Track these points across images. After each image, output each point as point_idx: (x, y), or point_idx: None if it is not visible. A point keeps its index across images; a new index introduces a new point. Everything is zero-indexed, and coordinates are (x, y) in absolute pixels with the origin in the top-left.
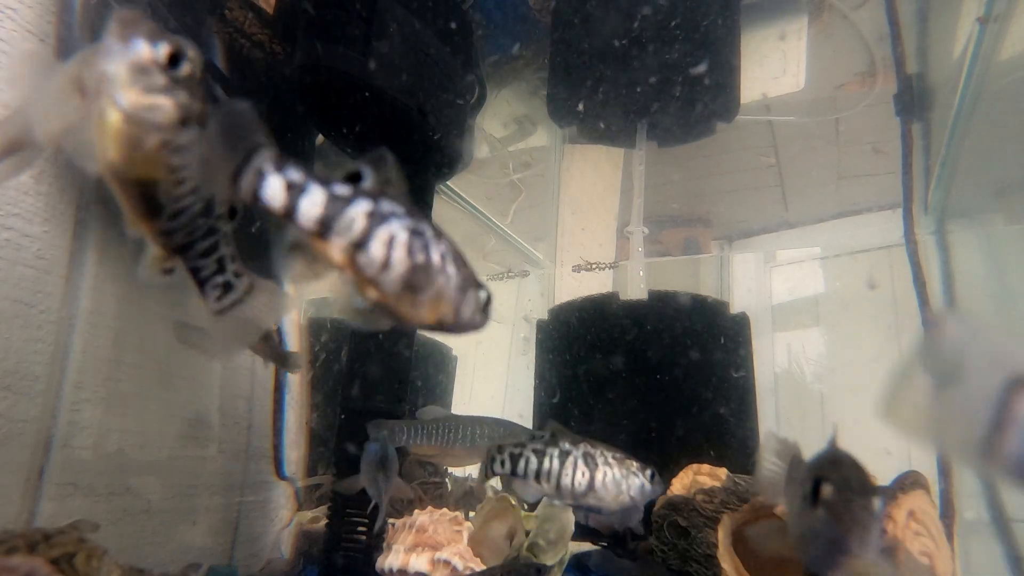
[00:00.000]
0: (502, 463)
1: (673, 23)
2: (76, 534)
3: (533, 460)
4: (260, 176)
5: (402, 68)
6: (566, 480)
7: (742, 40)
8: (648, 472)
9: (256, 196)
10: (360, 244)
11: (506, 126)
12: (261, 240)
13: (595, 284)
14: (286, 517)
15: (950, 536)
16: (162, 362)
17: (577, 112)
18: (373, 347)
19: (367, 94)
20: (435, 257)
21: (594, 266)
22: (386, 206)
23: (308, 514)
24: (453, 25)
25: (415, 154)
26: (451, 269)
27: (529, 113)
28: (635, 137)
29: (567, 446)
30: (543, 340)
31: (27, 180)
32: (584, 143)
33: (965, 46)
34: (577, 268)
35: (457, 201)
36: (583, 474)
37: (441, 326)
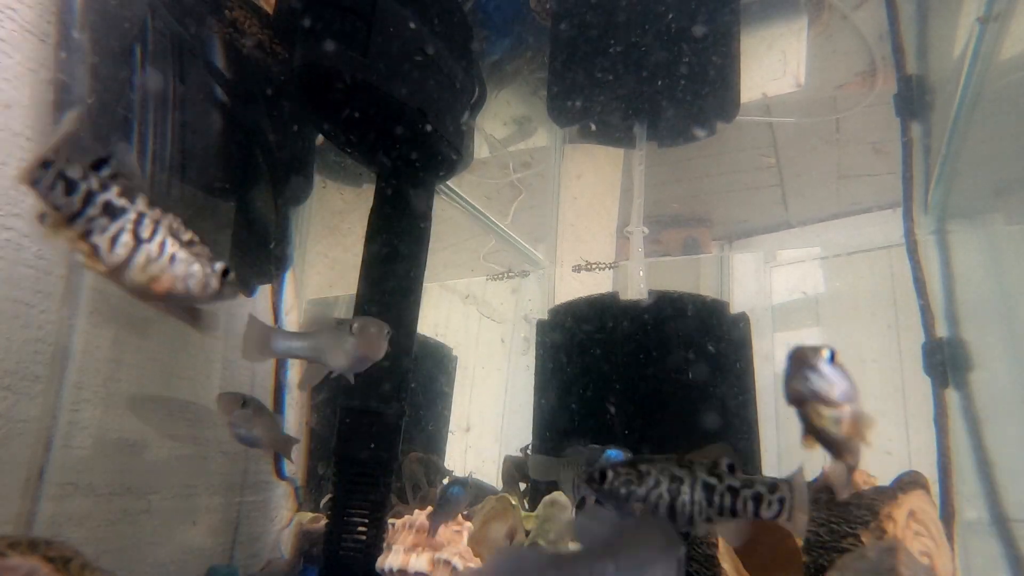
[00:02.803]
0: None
1: (673, 23)
2: (71, 548)
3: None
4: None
5: (402, 68)
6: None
7: (742, 40)
8: None
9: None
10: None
11: (506, 126)
12: (260, 236)
13: (595, 284)
14: (286, 517)
15: (950, 536)
16: (162, 362)
17: (577, 112)
18: None
19: (367, 94)
20: (153, 248)
21: (594, 266)
22: (120, 201)
23: (308, 514)
24: (453, 25)
25: (415, 154)
26: (173, 250)
27: (529, 113)
28: (635, 137)
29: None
30: (543, 340)
31: None
32: (584, 143)
33: (965, 46)
34: (577, 268)
35: (457, 201)
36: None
37: (170, 298)
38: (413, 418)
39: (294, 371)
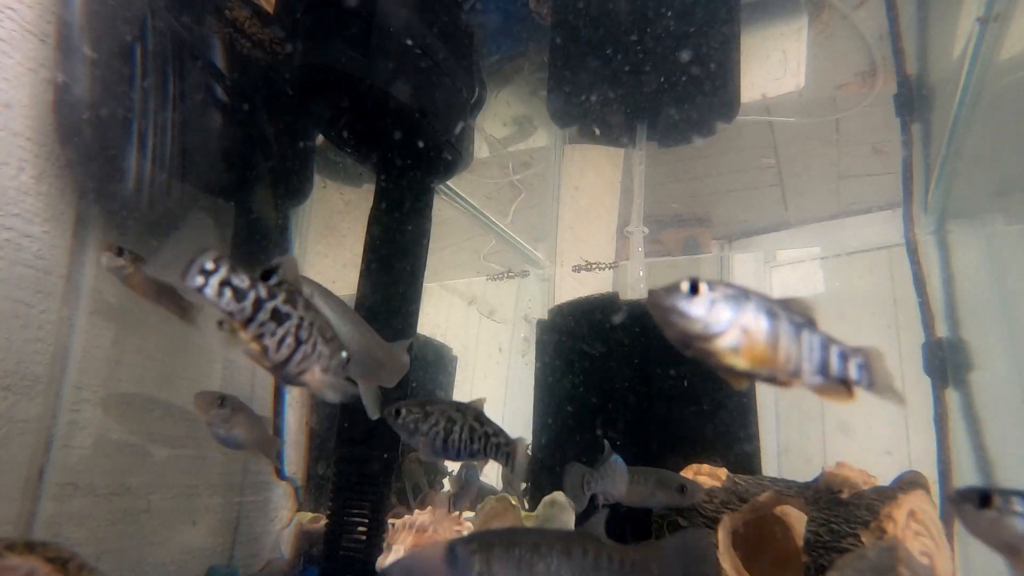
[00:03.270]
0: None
1: (673, 23)
2: (67, 549)
3: None
4: (205, 275)
5: (402, 68)
6: None
7: (742, 40)
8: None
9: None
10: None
11: (506, 126)
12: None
13: (595, 284)
14: (286, 517)
15: (950, 536)
16: (162, 362)
17: (577, 112)
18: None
19: (367, 94)
20: (308, 347)
21: (594, 266)
22: (286, 308)
23: (308, 514)
24: (453, 25)
25: (415, 154)
26: (320, 348)
27: (529, 113)
28: (635, 137)
29: None
30: (543, 340)
31: (27, 180)
32: (584, 143)
33: (965, 46)
34: (577, 268)
35: (457, 201)
36: None
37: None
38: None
39: None
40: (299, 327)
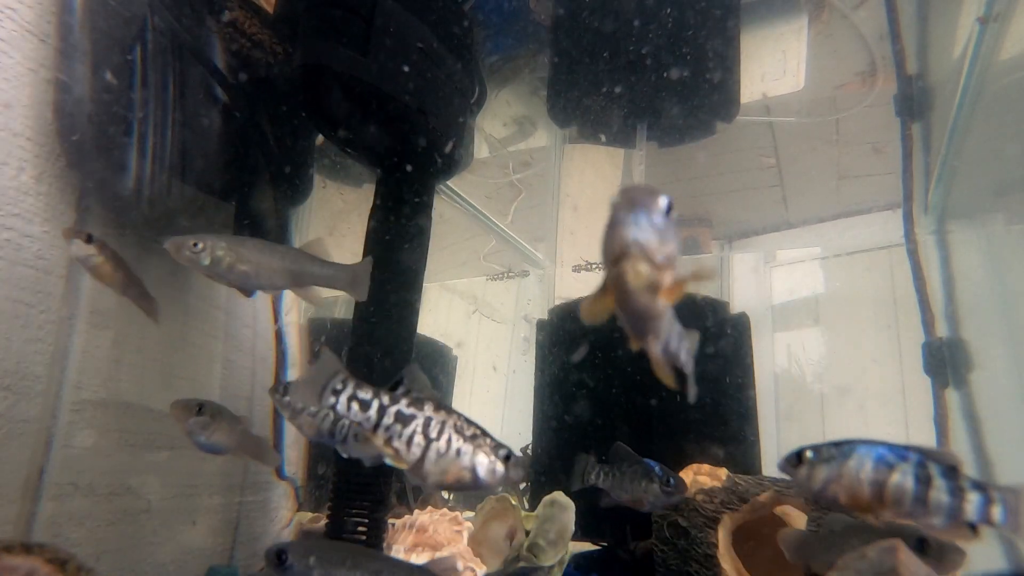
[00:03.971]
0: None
1: (673, 23)
2: (65, 550)
3: None
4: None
5: (402, 68)
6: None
7: (742, 40)
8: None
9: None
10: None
11: (506, 126)
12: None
13: (595, 284)
14: (286, 517)
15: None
16: (162, 362)
17: (577, 112)
18: (374, 347)
19: (367, 94)
20: (441, 444)
21: (594, 266)
22: (409, 410)
23: (308, 514)
24: (453, 25)
25: (414, 154)
26: (458, 445)
27: (529, 113)
28: (635, 137)
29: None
30: (543, 340)
31: (27, 180)
32: (584, 143)
33: (965, 46)
34: (577, 268)
35: (457, 201)
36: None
37: (462, 486)
38: None
39: (294, 371)
40: (426, 426)
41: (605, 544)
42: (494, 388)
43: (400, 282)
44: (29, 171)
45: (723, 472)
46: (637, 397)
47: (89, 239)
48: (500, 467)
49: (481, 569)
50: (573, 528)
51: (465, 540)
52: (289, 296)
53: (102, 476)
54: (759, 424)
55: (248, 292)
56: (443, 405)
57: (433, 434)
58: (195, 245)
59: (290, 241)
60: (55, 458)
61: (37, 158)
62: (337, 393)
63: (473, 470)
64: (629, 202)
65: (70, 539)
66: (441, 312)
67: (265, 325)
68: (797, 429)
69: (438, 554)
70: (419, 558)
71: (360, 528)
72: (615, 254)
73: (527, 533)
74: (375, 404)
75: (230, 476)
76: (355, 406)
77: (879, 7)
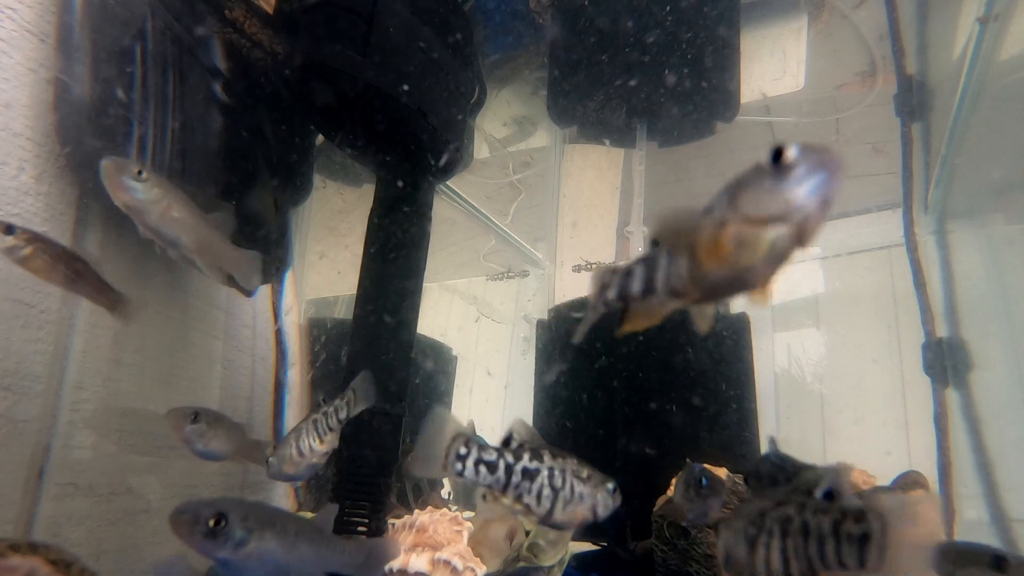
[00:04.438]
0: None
1: (673, 23)
2: (69, 552)
3: None
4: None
5: (402, 68)
6: None
7: (742, 40)
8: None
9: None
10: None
11: (506, 126)
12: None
13: None
14: None
15: (950, 536)
16: (162, 362)
17: (577, 112)
18: (373, 347)
19: (366, 94)
20: (567, 492)
21: (594, 266)
22: (533, 464)
23: (308, 514)
24: (453, 25)
25: (415, 154)
26: (579, 489)
27: (529, 113)
28: (635, 137)
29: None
30: (543, 340)
31: (27, 180)
32: (584, 143)
33: (965, 46)
34: (577, 268)
35: (457, 201)
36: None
37: (584, 523)
38: (413, 418)
39: (294, 371)
40: (551, 477)
41: (605, 544)
42: (494, 388)
43: (400, 282)
44: (29, 171)
45: (723, 471)
46: (637, 397)
47: (8, 230)
48: (612, 501)
49: (481, 569)
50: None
51: (465, 540)
52: (289, 296)
53: (102, 476)
54: (759, 424)
55: (160, 243)
56: (556, 451)
57: (558, 484)
58: (139, 173)
59: (290, 242)
60: (55, 458)
61: (37, 158)
62: (462, 459)
63: (594, 509)
64: (817, 161)
65: (70, 539)
66: (441, 312)
67: (265, 325)
68: (797, 429)
69: (438, 554)
70: (419, 558)
71: (360, 528)
72: (770, 212)
73: (527, 533)
74: (502, 464)
75: (230, 476)
76: (483, 470)
77: (879, 7)
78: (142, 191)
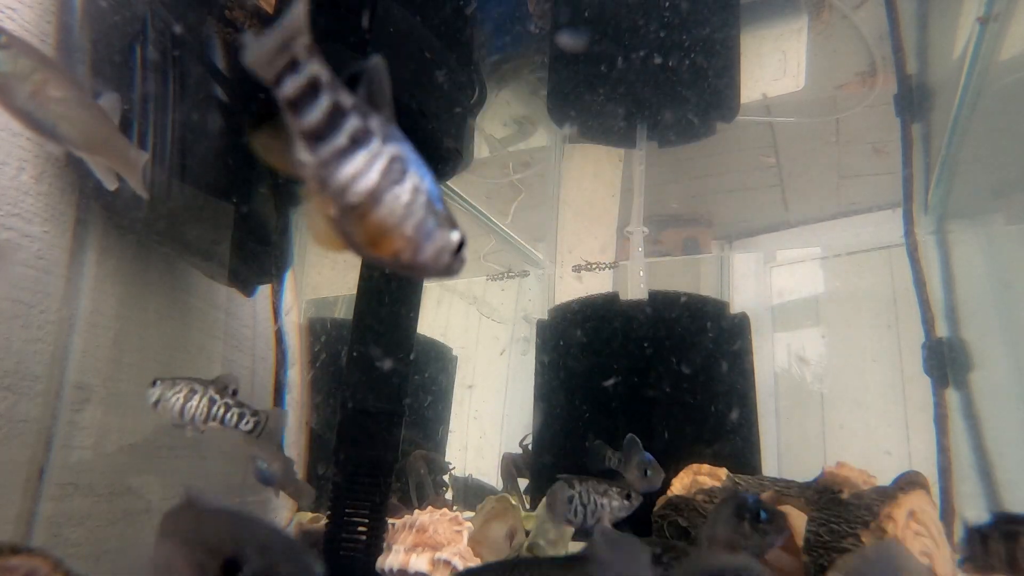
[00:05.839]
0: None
1: (673, 23)
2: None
3: None
4: (292, 65)
5: (402, 68)
6: None
7: (742, 40)
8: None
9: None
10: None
11: (506, 126)
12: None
13: (595, 284)
14: (286, 517)
15: (950, 536)
16: (162, 362)
17: (577, 112)
18: (373, 347)
19: None
20: (405, 191)
21: (594, 266)
22: (372, 123)
23: (308, 514)
24: (453, 25)
25: None
26: (421, 204)
27: (529, 113)
28: (635, 137)
29: None
30: (543, 340)
31: (27, 180)
32: (584, 143)
33: (965, 46)
34: (577, 268)
35: (457, 201)
36: None
37: (399, 262)
38: (413, 418)
39: (294, 371)
40: None
41: None
42: (494, 388)
43: (400, 282)
44: (29, 171)
45: (723, 472)
46: (637, 397)
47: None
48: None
49: None
50: (573, 528)
51: (465, 540)
52: (289, 296)
53: (102, 476)
54: (759, 424)
55: (34, 131)
56: None
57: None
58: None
59: (290, 242)
60: (55, 458)
61: (37, 158)
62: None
63: (420, 245)
64: None
65: (70, 539)
66: (441, 312)
67: (265, 325)
68: (797, 429)
69: (438, 554)
70: (419, 558)
71: (360, 528)
72: None
73: (527, 533)
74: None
75: (230, 476)
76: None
77: (879, 7)
78: (4, 62)
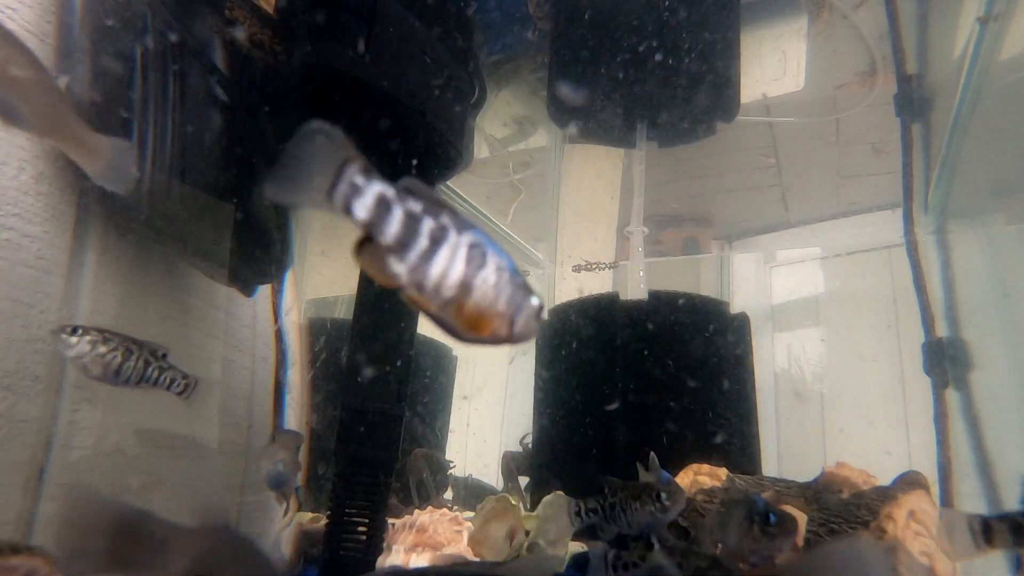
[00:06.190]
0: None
1: (673, 23)
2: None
3: None
4: (353, 190)
5: (402, 68)
6: None
7: (742, 40)
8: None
9: (348, 209)
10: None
11: (506, 126)
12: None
13: (595, 284)
14: (284, 519)
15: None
16: None
17: (577, 112)
18: (373, 347)
19: (367, 94)
20: (490, 272)
21: (594, 266)
22: (444, 219)
23: (308, 514)
24: (453, 25)
25: (415, 154)
26: (505, 281)
27: (529, 113)
28: (635, 137)
29: None
30: (543, 340)
31: (27, 180)
32: (584, 143)
33: (965, 46)
34: (577, 268)
35: (457, 201)
36: None
37: (497, 339)
38: (413, 418)
39: (294, 371)
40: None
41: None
42: (494, 388)
43: None
44: (29, 171)
45: (723, 472)
46: (637, 397)
47: None
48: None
49: None
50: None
51: (465, 540)
52: (289, 296)
53: (102, 476)
54: (759, 424)
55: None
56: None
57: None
58: None
59: (290, 242)
60: (55, 458)
61: (37, 158)
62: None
63: (513, 320)
64: None
65: None
66: None
67: (265, 325)
68: (797, 429)
69: (438, 554)
70: (419, 558)
71: (360, 528)
72: None
73: (527, 533)
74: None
75: (230, 476)
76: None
77: (879, 7)
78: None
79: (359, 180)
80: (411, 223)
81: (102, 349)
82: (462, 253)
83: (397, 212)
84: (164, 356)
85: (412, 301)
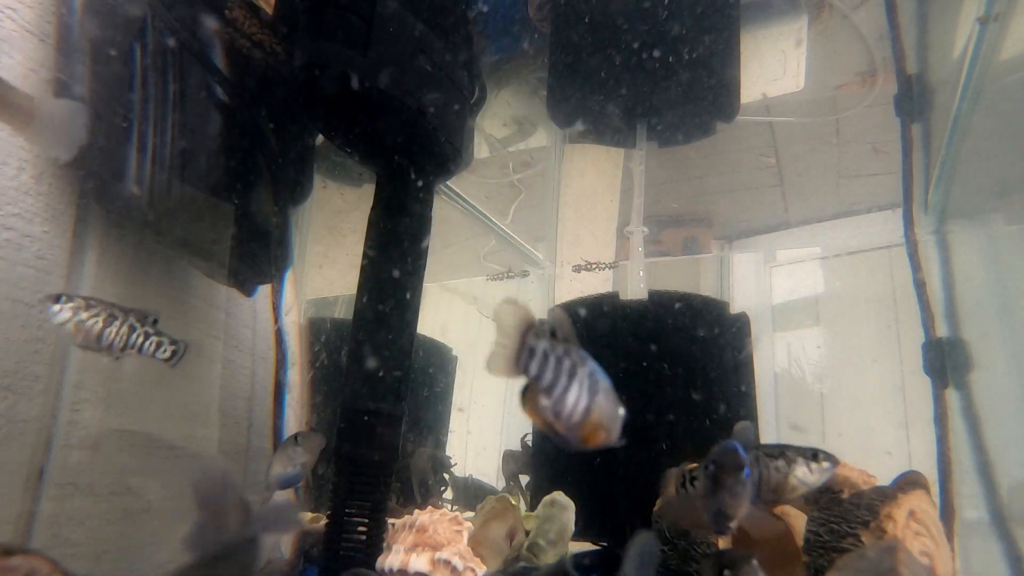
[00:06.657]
0: None
1: (673, 23)
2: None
3: None
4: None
5: (402, 68)
6: None
7: (742, 40)
8: None
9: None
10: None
11: (506, 126)
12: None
13: (595, 284)
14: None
15: (950, 536)
16: None
17: (577, 112)
18: (373, 347)
19: (367, 94)
20: (602, 398)
21: (594, 266)
22: (574, 356)
23: (308, 514)
24: (453, 25)
25: (415, 154)
26: (611, 403)
27: (529, 113)
28: (635, 137)
29: None
30: None
31: (27, 180)
32: (584, 143)
33: (965, 46)
34: (577, 268)
35: (457, 201)
36: None
37: (598, 444)
38: (413, 418)
39: (294, 371)
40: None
41: (605, 544)
42: (494, 388)
43: (400, 282)
44: (29, 171)
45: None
46: (636, 397)
47: None
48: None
49: (481, 569)
50: (573, 528)
51: (465, 540)
52: (289, 296)
53: (102, 476)
54: (759, 424)
55: None
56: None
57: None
58: None
59: (290, 242)
60: (55, 458)
61: (37, 158)
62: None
63: (613, 430)
64: None
65: (70, 539)
66: (441, 312)
67: (265, 325)
68: (797, 429)
69: (438, 554)
70: (419, 558)
71: (360, 528)
72: None
73: (527, 533)
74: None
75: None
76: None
77: (879, 7)
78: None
79: (536, 345)
80: (557, 367)
81: (83, 315)
82: (586, 384)
83: (551, 362)
84: (155, 322)
85: (548, 425)
